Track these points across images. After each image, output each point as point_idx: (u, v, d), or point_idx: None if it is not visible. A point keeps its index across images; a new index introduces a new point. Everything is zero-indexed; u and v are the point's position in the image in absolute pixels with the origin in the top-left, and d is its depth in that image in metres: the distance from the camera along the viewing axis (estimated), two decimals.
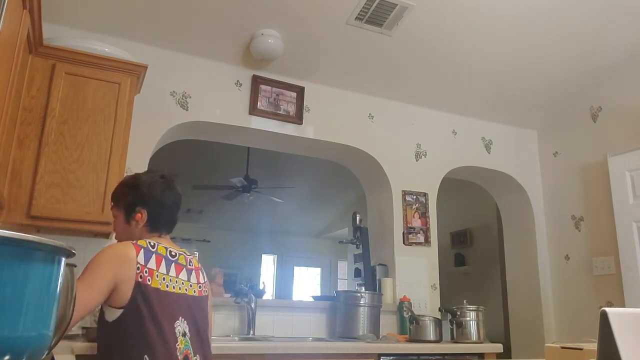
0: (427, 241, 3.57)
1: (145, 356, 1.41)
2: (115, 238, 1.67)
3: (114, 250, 1.48)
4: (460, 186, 4.68)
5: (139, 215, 1.62)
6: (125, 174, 2.61)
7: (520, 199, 4.13)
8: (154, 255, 1.54)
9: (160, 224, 1.66)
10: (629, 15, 3.04)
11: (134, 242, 1.54)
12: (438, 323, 2.99)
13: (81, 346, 1.95)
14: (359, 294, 3.06)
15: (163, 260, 1.56)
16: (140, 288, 1.45)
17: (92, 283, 1.41)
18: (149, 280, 1.48)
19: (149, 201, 1.63)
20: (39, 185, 2.28)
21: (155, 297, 1.47)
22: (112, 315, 1.45)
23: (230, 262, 8.99)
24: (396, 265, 3.42)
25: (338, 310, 3.09)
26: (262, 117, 3.27)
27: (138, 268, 1.47)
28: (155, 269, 1.51)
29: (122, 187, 1.68)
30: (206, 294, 1.68)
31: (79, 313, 1.37)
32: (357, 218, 3.60)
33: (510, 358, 3.79)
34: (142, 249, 1.52)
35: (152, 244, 1.57)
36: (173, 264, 1.59)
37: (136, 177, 1.68)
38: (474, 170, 4.04)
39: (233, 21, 2.95)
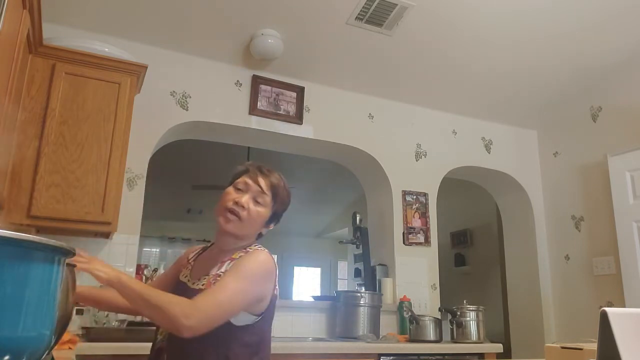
0: (427, 241, 3.57)
1: None
2: (247, 219, 1.40)
3: (270, 264, 1.39)
4: (460, 186, 4.67)
5: (272, 226, 1.50)
6: (125, 174, 2.62)
7: (520, 199, 4.13)
8: None
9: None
10: (630, 15, 3.04)
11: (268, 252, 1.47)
12: (438, 323, 2.99)
13: (81, 346, 1.95)
14: (359, 294, 3.06)
15: None
16: (275, 299, 1.43)
17: (246, 290, 1.31)
18: (277, 290, 1.46)
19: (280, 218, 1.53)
20: (39, 185, 2.28)
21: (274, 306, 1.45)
22: (243, 320, 1.34)
23: None
24: (396, 265, 3.42)
25: (338, 310, 3.09)
26: (262, 117, 3.27)
27: (276, 280, 1.44)
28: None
29: (288, 193, 1.50)
30: None
31: (229, 313, 1.27)
32: (357, 218, 3.60)
33: (510, 358, 3.79)
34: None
35: None
36: None
37: (289, 192, 1.53)
38: (474, 170, 4.04)
39: (233, 21, 2.95)
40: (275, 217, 1.48)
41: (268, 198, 1.43)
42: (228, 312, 1.27)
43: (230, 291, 1.26)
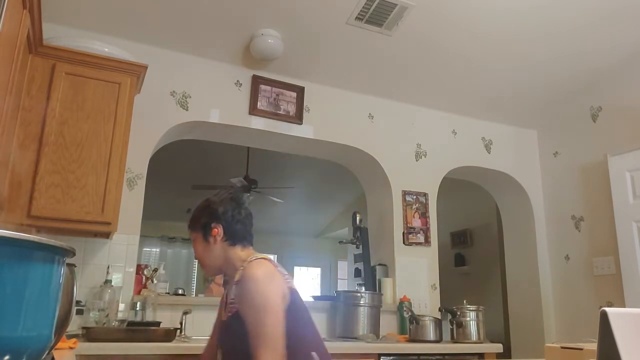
0: (427, 241, 3.57)
1: None
2: (200, 261, 1.69)
3: (261, 271, 1.51)
4: (460, 186, 4.68)
5: (215, 230, 1.64)
6: (125, 174, 2.62)
7: (520, 199, 4.13)
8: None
9: (238, 236, 1.66)
10: (630, 14, 3.04)
11: (265, 257, 1.59)
12: (438, 323, 2.99)
13: (81, 346, 1.95)
14: (359, 294, 3.06)
15: None
16: (290, 295, 1.54)
17: (272, 310, 1.46)
18: (288, 286, 1.57)
19: (222, 216, 1.66)
20: (39, 185, 2.28)
21: None
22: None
23: None
24: (396, 265, 3.42)
25: (338, 310, 3.09)
26: (262, 117, 3.27)
27: (281, 277, 1.55)
28: None
29: (196, 212, 1.72)
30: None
31: (281, 343, 1.43)
32: (357, 218, 3.59)
33: (510, 358, 3.79)
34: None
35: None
36: None
37: (207, 200, 1.73)
38: (474, 170, 4.04)
39: (233, 21, 2.94)
40: (205, 226, 1.65)
41: (193, 234, 1.68)
42: (281, 343, 1.40)
43: (266, 327, 1.40)
